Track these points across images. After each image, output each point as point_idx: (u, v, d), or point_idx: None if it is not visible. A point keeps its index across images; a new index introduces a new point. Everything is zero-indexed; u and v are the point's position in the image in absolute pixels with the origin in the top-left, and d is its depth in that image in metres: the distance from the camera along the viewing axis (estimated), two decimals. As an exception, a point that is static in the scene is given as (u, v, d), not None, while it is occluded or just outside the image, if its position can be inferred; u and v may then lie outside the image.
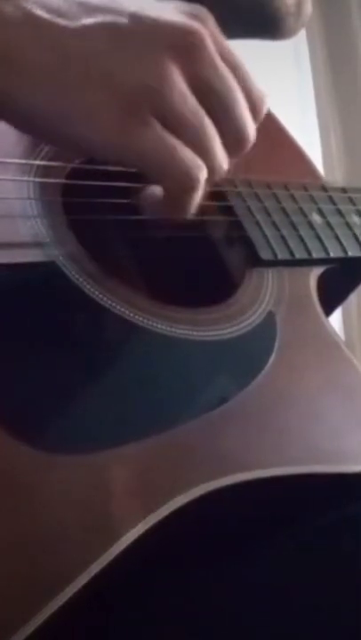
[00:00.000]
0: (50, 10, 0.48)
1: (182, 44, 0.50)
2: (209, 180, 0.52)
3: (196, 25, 0.51)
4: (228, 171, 0.55)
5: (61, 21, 0.48)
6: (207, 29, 0.51)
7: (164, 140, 0.50)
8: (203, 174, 0.51)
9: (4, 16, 0.47)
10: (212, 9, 0.73)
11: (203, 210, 0.56)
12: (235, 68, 0.52)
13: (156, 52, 0.49)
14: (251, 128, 0.54)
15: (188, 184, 0.51)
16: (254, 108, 0.54)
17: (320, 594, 0.51)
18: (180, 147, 0.50)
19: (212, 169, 0.52)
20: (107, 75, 0.48)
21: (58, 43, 0.48)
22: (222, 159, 0.53)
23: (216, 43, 0.51)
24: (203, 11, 0.52)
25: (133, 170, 0.52)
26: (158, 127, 0.49)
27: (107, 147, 0.49)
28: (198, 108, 0.51)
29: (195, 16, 0.51)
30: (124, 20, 0.49)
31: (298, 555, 0.53)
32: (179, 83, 0.50)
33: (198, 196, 0.52)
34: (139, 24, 0.50)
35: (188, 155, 0.50)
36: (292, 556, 0.53)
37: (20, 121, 0.49)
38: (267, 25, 0.77)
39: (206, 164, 0.52)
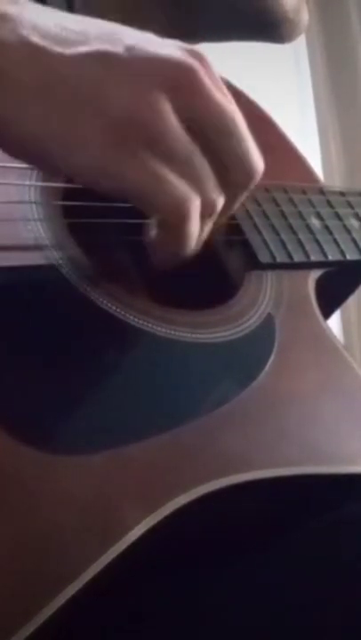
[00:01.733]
0: (46, 36, 0.48)
1: (176, 79, 0.50)
2: (203, 214, 0.52)
3: (191, 61, 0.50)
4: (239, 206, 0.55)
5: (57, 48, 0.48)
6: (203, 67, 0.50)
7: (152, 170, 0.49)
8: (194, 203, 0.51)
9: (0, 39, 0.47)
10: (212, 12, 0.73)
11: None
12: (231, 106, 0.52)
13: (149, 84, 0.49)
14: (258, 161, 0.53)
15: (179, 213, 0.50)
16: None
17: (319, 594, 0.51)
18: (168, 176, 0.50)
19: (204, 202, 0.52)
20: (97, 103, 0.48)
21: (51, 69, 0.48)
22: (215, 194, 0.52)
23: (213, 81, 0.51)
24: (200, 50, 0.51)
25: (124, 204, 0.52)
26: (147, 157, 0.49)
27: (93, 176, 0.49)
28: (188, 142, 0.50)
29: (193, 54, 0.51)
30: (119, 51, 0.49)
31: (297, 555, 0.53)
32: (169, 116, 0.49)
33: (194, 228, 0.52)
34: (134, 56, 0.49)
35: (176, 183, 0.50)
36: (291, 556, 0.53)
37: (9, 145, 0.49)
38: (265, 29, 0.78)
39: (199, 197, 0.51)
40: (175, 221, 0.51)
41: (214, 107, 0.51)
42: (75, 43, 0.49)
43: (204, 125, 0.51)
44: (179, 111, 0.50)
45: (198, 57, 0.51)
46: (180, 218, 0.51)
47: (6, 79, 0.47)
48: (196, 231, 0.52)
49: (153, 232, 0.53)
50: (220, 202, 0.53)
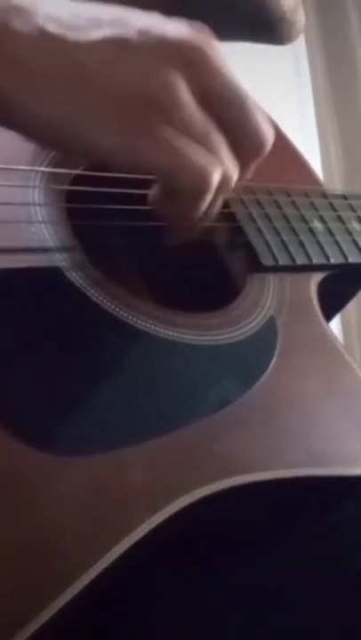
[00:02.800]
0: (59, 24, 0.49)
1: (189, 59, 0.51)
2: (218, 187, 0.53)
3: (199, 39, 0.52)
4: (250, 179, 0.56)
5: (71, 35, 0.49)
6: (211, 45, 0.52)
7: (173, 143, 0.50)
8: (216, 173, 0.52)
9: (14, 30, 0.48)
10: (210, 11, 0.74)
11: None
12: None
13: (163, 65, 0.50)
14: (268, 130, 0.55)
15: (203, 183, 0.52)
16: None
17: (319, 594, 0.51)
18: (189, 147, 0.51)
19: (222, 173, 0.53)
20: (114, 86, 0.49)
21: (67, 55, 0.49)
22: (231, 166, 0.54)
23: (219, 58, 0.52)
24: (206, 28, 0.53)
25: (147, 176, 0.53)
26: (167, 132, 0.50)
27: (117, 153, 0.50)
28: (204, 118, 0.52)
29: (198, 32, 0.52)
30: (132, 34, 0.50)
31: (297, 556, 0.53)
32: (184, 94, 0.51)
33: (209, 199, 0.53)
34: (146, 38, 0.51)
35: (198, 154, 0.51)
36: (292, 556, 0.53)
37: (29, 128, 0.50)
38: (263, 29, 0.78)
39: (219, 169, 0.52)
40: (198, 191, 0.52)
41: (224, 80, 0.52)
42: (88, 29, 0.50)
43: (216, 98, 0.52)
44: (192, 87, 0.51)
45: (204, 35, 0.53)
46: (203, 187, 0.52)
47: (25, 68, 0.48)
48: (209, 202, 0.53)
49: (162, 202, 0.54)
50: (236, 174, 0.54)
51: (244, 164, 0.55)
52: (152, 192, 0.55)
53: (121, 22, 0.51)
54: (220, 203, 0.56)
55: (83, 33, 0.50)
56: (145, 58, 0.50)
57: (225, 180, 0.53)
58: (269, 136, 0.55)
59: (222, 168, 0.53)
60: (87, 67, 0.49)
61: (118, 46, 0.50)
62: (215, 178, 0.52)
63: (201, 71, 0.51)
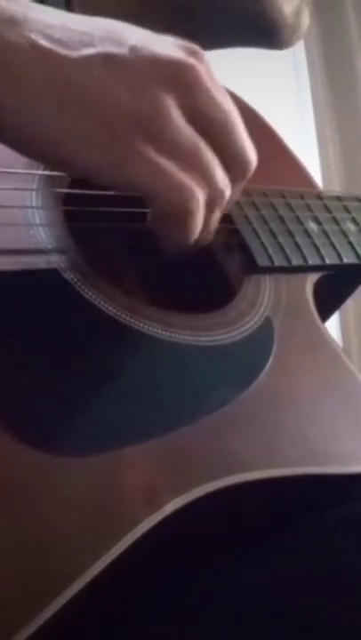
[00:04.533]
0: (52, 39, 0.49)
1: (179, 78, 0.51)
2: (212, 205, 0.53)
3: (192, 60, 0.52)
4: (238, 196, 0.56)
5: (63, 50, 0.49)
6: (201, 64, 0.52)
7: (158, 164, 0.50)
8: (199, 197, 0.52)
9: (8, 42, 0.48)
10: (211, 18, 0.74)
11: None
12: (226, 100, 0.53)
13: (153, 84, 0.50)
14: (252, 151, 0.55)
15: (184, 207, 0.52)
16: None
17: (319, 593, 0.51)
18: (173, 169, 0.51)
19: (213, 194, 0.53)
20: (103, 103, 0.49)
21: (58, 70, 0.49)
22: (223, 184, 0.54)
23: (209, 77, 0.52)
24: (198, 48, 0.53)
25: (130, 193, 0.53)
26: (152, 152, 0.50)
27: (100, 172, 0.50)
28: (194, 136, 0.52)
29: (191, 52, 0.52)
30: (123, 52, 0.50)
31: (296, 554, 0.54)
32: (174, 113, 0.51)
33: (199, 220, 0.53)
34: (137, 56, 0.51)
35: (181, 177, 0.51)
36: (290, 555, 0.53)
37: (16, 141, 0.50)
38: (264, 35, 0.78)
39: (206, 188, 0.52)
40: (180, 215, 0.52)
41: (214, 102, 0.52)
42: (80, 45, 0.50)
43: (206, 120, 0.52)
44: (182, 108, 0.51)
45: (196, 55, 0.52)
46: (186, 211, 0.52)
47: (16, 81, 0.48)
48: (201, 223, 0.53)
49: (155, 223, 0.54)
50: (229, 190, 0.54)
51: (232, 185, 0.55)
52: (148, 214, 0.55)
53: (113, 39, 0.51)
54: (216, 221, 0.56)
55: (74, 49, 0.50)
56: (135, 76, 0.50)
57: (217, 200, 0.53)
58: (253, 158, 0.55)
59: (211, 189, 0.53)
60: (76, 83, 0.49)
61: (109, 64, 0.50)
62: (200, 197, 0.52)
63: (191, 91, 0.51)
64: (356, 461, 0.56)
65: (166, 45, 0.52)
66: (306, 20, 0.79)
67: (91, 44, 0.50)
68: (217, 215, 0.56)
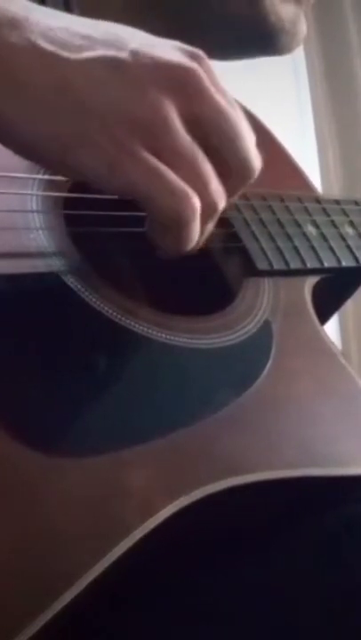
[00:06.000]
0: (53, 42, 0.49)
1: (180, 83, 0.51)
2: (204, 216, 0.52)
3: (194, 64, 0.51)
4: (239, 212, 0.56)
5: (64, 53, 0.49)
6: (204, 69, 0.51)
7: (155, 170, 0.50)
8: (194, 205, 0.51)
9: (9, 44, 0.48)
10: (211, 25, 0.74)
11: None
12: (231, 105, 0.53)
13: (153, 87, 0.50)
14: (256, 158, 0.54)
15: (180, 214, 0.51)
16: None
17: (319, 594, 0.52)
18: (170, 176, 0.50)
19: (206, 204, 0.52)
20: (102, 106, 0.49)
21: (59, 72, 0.49)
22: (217, 196, 0.53)
23: (212, 82, 0.52)
24: (201, 53, 0.52)
25: (127, 199, 0.52)
26: (150, 158, 0.50)
27: (97, 175, 0.50)
28: (192, 144, 0.51)
29: (194, 56, 0.52)
30: (124, 55, 0.50)
31: (296, 555, 0.54)
32: (173, 118, 0.50)
33: (194, 228, 0.52)
34: (138, 60, 0.50)
35: (177, 184, 0.50)
36: (290, 556, 0.54)
37: (15, 143, 0.50)
38: (262, 41, 0.78)
39: (200, 198, 0.52)
40: (176, 222, 0.51)
41: (216, 109, 0.52)
42: (81, 48, 0.50)
43: (207, 127, 0.52)
44: (182, 114, 0.51)
45: (199, 59, 0.52)
46: (181, 219, 0.51)
47: (17, 83, 0.48)
48: (197, 231, 0.52)
49: (151, 229, 0.54)
50: (223, 202, 0.54)
51: (230, 191, 0.54)
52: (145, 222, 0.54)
53: (115, 42, 0.51)
54: (208, 231, 0.55)
55: (75, 51, 0.49)
56: (136, 80, 0.50)
57: (210, 208, 0.53)
58: (257, 165, 0.54)
59: (205, 198, 0.52)
60: (76, 85, 0.49)
61: (109, 66, 0.50)
62: (192, 209, 0.51)
63: (192, 96, 0.51)
64: (355, 463, 0.57)
65: (168, 49, 0.52)
66: (304, 27, 0.79)
67: (92, 47, 0.50)
68: (210, 226, 0.55)
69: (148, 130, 0.50)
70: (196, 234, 0.53)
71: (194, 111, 0.51)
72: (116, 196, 0.53)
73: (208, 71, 0.52)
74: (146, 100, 0.50)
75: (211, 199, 0.52)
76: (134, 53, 0.50)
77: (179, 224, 0.51)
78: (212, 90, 0.52)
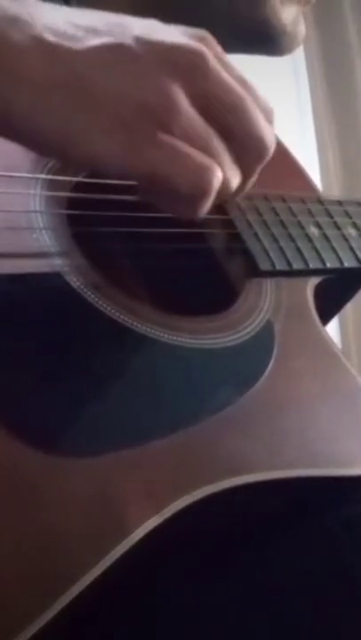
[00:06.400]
0: (57, 34, 0.49)
1: (186, 65, 0.50)
2: (219, 192, 0.52)
3: (199, 45, 0.51)
4: (254, 183, 0.55)
5: (67, 44, 0.49)
6: (210, 50, 0.51)
7: (173, 148, 0.50)
8: (216, 175, 0.51)
9: (12, 39, 0.48)
10: (212, 26, 0.74)
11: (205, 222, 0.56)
12: (241, 83, 0.53)
13: (160, 72, 0.50)
14: (270, 134, 0.54)
15: (204, 186, 0.50)
16: (266, 118, 0.54)
17: (319, 594, 0.52)
18: (189, 150, 0.50)
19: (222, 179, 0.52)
20: (111, 94, 0.49)
21: (64, 63, 0.49)
22: (231, 173, 0.53)
23: (220, 61, 0.52)
24: (206, 33, 0.52)
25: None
26: (165, 137, 0.50)
27: (114, 162, 0.50)
28: (204, 125, 0.51)
29: (198, 38, 0.52)
30: (128, 42, 0.50)
31: (296, 555, 0.54)
32: (183, 101, 0.50)
33: (211, 200, 0.52)
34: (143, 46, 0.50)
35: (198, 155, 0.50)
36: (291, 556, 0.54)
37: (28, 138, 0.50)
38: (264, 42, 0.78)
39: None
40: (197, 195, 0.51)
41: (225, 85, 0.51)
42: (84, 38, 0.50)
43: (217, 106, 0.52)
44: (192, 96, 0.50)
45: (204, 40, 0.52)
46: (204, 188, 0.51)
47: (22, 77, 0.48)
48: (211, 201, 0.52)
49: (161, 202, 0.53)
50: (236, 180, 0.53)
51: (247, 170, 0.54)
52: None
53: (118, 29, 0.51)
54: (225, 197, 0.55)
55: (79, 41, 0.49)
56: (142, 65, 0.50)
57: (224, 186, 0.52)
58: (272, 142, 0.54)
59: (222, 173, 0.52)
60: (83, 75, 0.49)
61: (115, 54, 0.50)
62: (216, 180, 0.51)
63: (200, 77, 0.51)
64: (357, 463, 0.57)
65: (172, 33, 0.52)
66: (303, 28, 0.79)
67: (96, 36, 0.50)
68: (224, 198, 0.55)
69: (158, 112, 0.50)
70: (209, 204, 0.52)
71: (203, 92, 0.51)
72: (131, 182, 0.52)
73: (214, 51, 0.52)
74: (154, 84, 0.50)
75: (225, 176, 0.52)
76: (138, 39, 0.50)
77: (200, 196, 0.51)
78: (219, 69, 0.51)
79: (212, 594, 0.52)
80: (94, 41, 0.50)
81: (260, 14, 0.75)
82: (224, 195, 0.53)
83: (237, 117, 0.52)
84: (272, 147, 0.54)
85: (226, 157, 0.52)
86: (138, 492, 0.49)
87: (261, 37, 0.77)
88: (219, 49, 0.52)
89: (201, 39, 0.52)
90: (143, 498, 0.49)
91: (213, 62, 0.51)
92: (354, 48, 2.21)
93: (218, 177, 0.51)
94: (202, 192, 0.51)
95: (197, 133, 0.51)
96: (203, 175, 0.50)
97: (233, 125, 0.52)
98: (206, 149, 0.51)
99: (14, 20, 0.49)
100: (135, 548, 0.47)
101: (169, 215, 0.55)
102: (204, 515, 0.50)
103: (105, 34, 0.50)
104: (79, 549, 0.46)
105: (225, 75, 0.52)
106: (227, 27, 0.75)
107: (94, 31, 0.50)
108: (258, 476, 0.53)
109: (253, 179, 0.56)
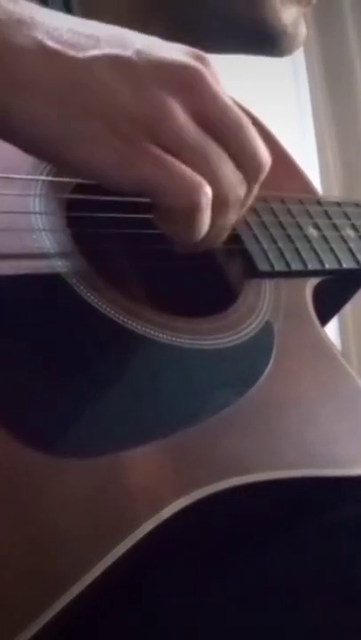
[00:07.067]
0: (59, 41, 0.50)
1: (184, 81, 0.51)
2: (225, 201, 0.53)
3: (196, 64, 0.52)
4: (255, 197, 0.56)
5: (70, 52, 0.50)
6: (207, 69, 0.52)
7: (164, 162, 0.50)
8: (207, 190, 0.51)
9: (15, 43, 0.48)
10: (212, 26, 0.74)
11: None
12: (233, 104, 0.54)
13: (158, 86, 0.51)
14: (265, 152, 0.55)
15: (193, 200, 0.51)
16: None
17: (318, 595, 0.52)
18: (179, 165, 0.51)
19: (224, 190, 0.53)
20: (108, 104, 0.50)
21: (65, 71, 0.49)
22: (235, 181, 0.53)
23: (215, 81, 0.52)
24: (204, 54, 0.53)
25: (135, 199, 0.53)
26: (157, 151, 0.50)
27: (105, 172, 0.51)
28: (201, 135, 0.52)
29: (197, 57, 0.53)
30: (129, 55, 0.51)
31: (296, 555, 0.54)
32: (177, 113, 0.51)
33: (207, 215, 0.52)
34: (143, 59, 0.51)
35: (188, 172, 0.51)
36: (290, 556, 0.54)
37: (24, 141, 0.51)
38: (264, 43, 0.78)
39: (216, 187, 0.52)
40: (188, 210, 0.52)
41: (220, 104, 0.52)
42: (86, 47, 0.50)
43: (213, 122, 0.52)
44: (187, 110, 0.51)
45: (201, 59, 0.53)
46: (194, 205, 0.51)
47: (23, 82, 0.49)
48: (208, 219, 0.53)
49: (161, 222, 0.54)
50: (244, 188, 0.54)
51: (247, 187, 0.55)
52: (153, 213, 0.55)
53: (119, 41, 0.51)
54: (230, 223, 0.56)
55: (81, 50, 0.50)
56: (140, 78, 0.51)
57: (229, 194, 0.53)
58: (266, 159, 0.55)
59: (221, 182, 0.52)
60: (82, 84, 0.50)
61: (115, 66, 0.50)
62: (208, 192, 0.51)
63: (196, 95, 0.51)
64: (356, 464, 0.57)
65: (172, 50, 0.53)
66: (303, 29, 0.79)
67: (97, 46, 0.51)
68: (231, 217, 0.55)
69: (154, 125, 0.50)
70: (208, 221, 0.53)
71: (199, 108, 0.52)
72: (123, 195, 0.53)
73: (211, 71, 0.53)
74: (149, 97, 0.50)
75: (228, 182, 0.53)
76: (139, 52, 0.51)
77: (190, 212, 0.52)
78: (216, 88, 0.52)
79: (211, 594, 0.52)
80: (95, 51, 0.50)
81: (259, 15, 0.76)
82: (222, 208, 0.54)
83: (234, 133, 0.53)
84: (268, 164, 0.55)
85: (226, 165, 0.53)
86: (138, 492, 0.49)
87: (261, 38, 0.77)
88: (215, 72, 0.53)
89: (199, 58, 0.53)
90: (143, 498, 0.49)
91: (210, 80, 0.52)
92: (354, 49, 2.21)
93: (206, 193, 0.51)
94: (191, 205, 0.51)
95: (193, 143, 0.51)
96: (192, 188, 0.51)
97: (230, 141, 0.53)
98: (202, 159, 0.52)
99: (18, 24, 0.49)
100: (135, 548, 0.47)
101: None
102: (203, 515, 0.50)
103: (106, 44, 0.51)
104: (79, 549, 0.46)
105: (221, 93, 0.53)
106: (226, 27, 0.76)
107: (96, 41, 0.51)
108: (257, 477, 0.53)
109: (253, 196, 0.57)
